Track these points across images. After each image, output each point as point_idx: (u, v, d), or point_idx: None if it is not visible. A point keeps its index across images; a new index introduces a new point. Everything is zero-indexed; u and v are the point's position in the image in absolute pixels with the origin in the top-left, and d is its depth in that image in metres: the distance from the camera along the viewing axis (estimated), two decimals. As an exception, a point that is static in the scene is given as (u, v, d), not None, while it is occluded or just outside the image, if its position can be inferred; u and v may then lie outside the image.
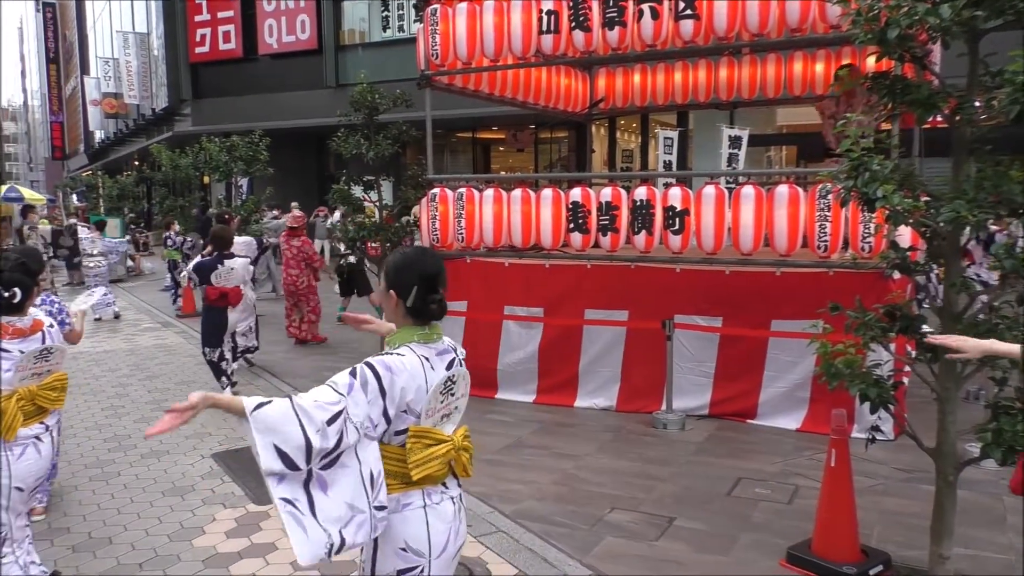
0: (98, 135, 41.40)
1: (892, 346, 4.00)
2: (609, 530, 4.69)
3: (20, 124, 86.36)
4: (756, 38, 6.67)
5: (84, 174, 36.69)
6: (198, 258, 8.47)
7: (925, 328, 3.72)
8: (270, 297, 14.69)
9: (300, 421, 2.12)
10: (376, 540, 2.37)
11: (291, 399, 2.18)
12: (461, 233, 7.82)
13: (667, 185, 7.33)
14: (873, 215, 4.12)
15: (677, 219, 6.89)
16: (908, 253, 3.88)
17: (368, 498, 2.25)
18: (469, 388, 2.60)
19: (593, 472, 5.65)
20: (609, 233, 7.23)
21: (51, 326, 3.64)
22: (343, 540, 2.19)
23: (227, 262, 7.79)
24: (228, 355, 7.95)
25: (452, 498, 2.50)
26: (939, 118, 3.81)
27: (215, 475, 5.71)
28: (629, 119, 18.58)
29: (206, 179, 18.78)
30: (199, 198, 19.95)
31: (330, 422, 2.15)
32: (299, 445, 2.11)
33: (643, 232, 7.06)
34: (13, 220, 23.38)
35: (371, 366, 2.29)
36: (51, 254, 14.55)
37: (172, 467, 5.88)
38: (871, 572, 4.00)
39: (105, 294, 13.44)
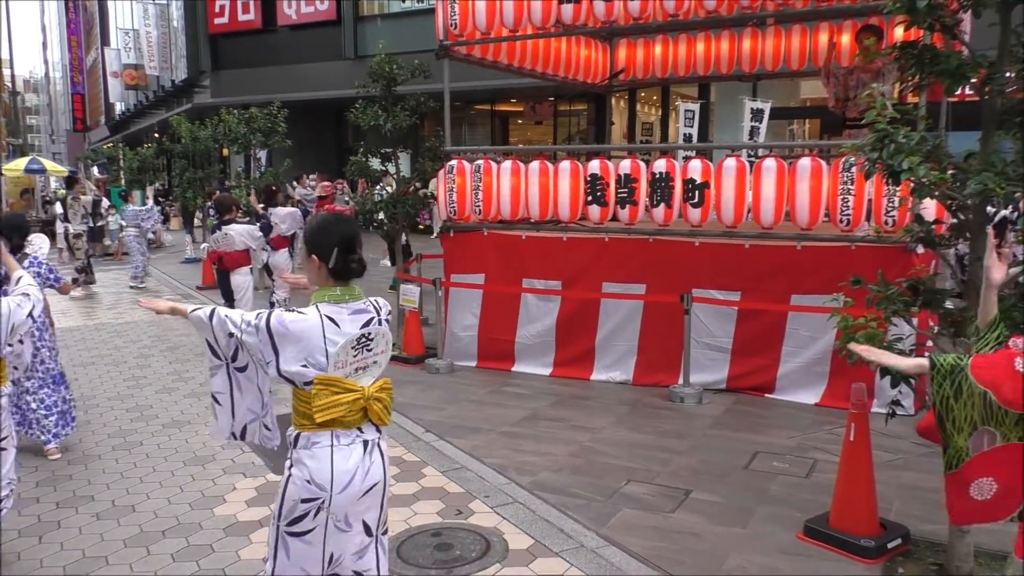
0: (118, 107, 41.50)
1: (915, 320, 3.95)
2: (625, 502, 4.70)
3: (42, 96, 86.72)
4: (781, 8, 6.57)
5: (105, 146, 36.78)
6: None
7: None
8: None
9: (212, 328, 2.76)
10: (290, 471, 2.74)
11: (215, 310, 2.77)
12: (478, 205, 7.80)
13: (687, 158, 7.26)
14: (898, 188, 4.06)
15: (697, 192, 6.82)
16: (933, 226, 3.81)
17: (264, 406, 2.92)
18: (390, 346, 2.87)
19: (609, 445, 5.66)
20: (628, 206, 7.18)
21: None
22: (245, 430, 2.94)
23: (224, 228, 8.26)
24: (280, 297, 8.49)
25: (366, 442, 2.78)
26: (968, 91, 3.73)
27: (235, 445, 5.73)
28: (649, 92, 18.37)
29: (225, 151, 18.82)
30: (219, 170, 19.99)
31: (229, 335, 2.74)
32: (209, 342, 2.81)
33: (662, 205, 7.00)
34: (36, 192, 23.60)
35: (269, 319, 2.67)
36: (89, 224, 14.68)
37: (193, 437, 5.95)
38: (889, 545, 3.99)
39: (135, 267, 13.70)
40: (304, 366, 2.65)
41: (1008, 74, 3.48)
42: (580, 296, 7.39)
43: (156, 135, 32.34)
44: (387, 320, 2.84)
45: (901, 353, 3.62)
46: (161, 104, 32.08)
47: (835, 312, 3.81)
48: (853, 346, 2.49)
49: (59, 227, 18.49)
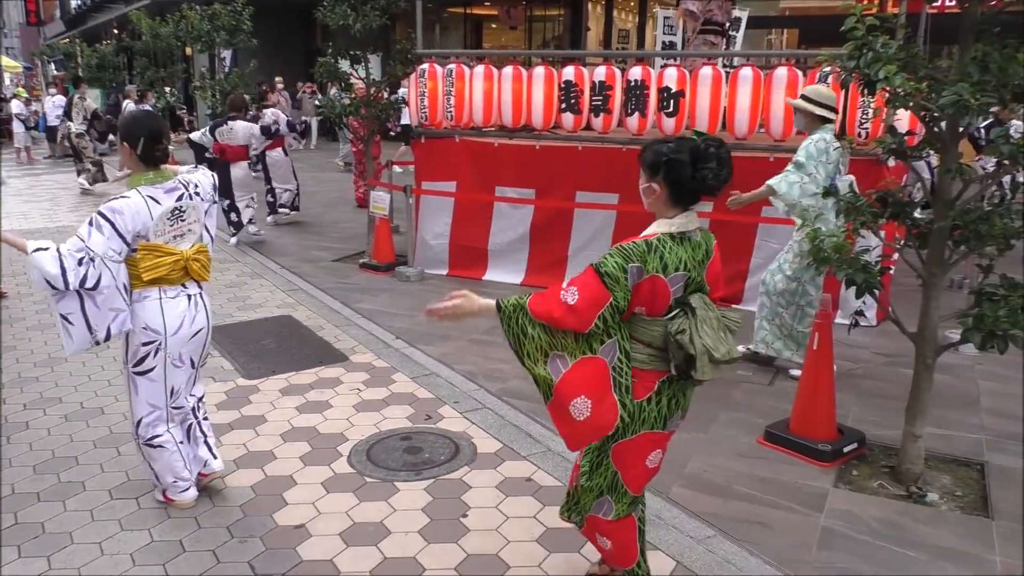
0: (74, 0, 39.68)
1: (882, 232, 3.99)
2: (592, 408, 4.78)
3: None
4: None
5: (61, 42, 35.32)
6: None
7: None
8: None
9: (61, 264, 3.06)
10: (131, 324, 3.35)
11: (58, 248, 3.09)
12: (450, 111, 7.64)
13: (663, 66, 7.13)
14: (873, 99, 4.03)
15: (672, 101, 6.73)
16: (905, 138, 3.80)
17: (125, 300, 3.28)
18: (202, 215, 3.44)
19: (578, 352, 5.72)
20: (602, 114, 7.08)
21: None
22: (110, 333, 3.26)
23: (231, 123, 9.14)
24: (239, 206, 9.11)
25: (189, 295, 3.44)
26: (949, 1, 3.66)
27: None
28: (627, -4, 17.93)
29: (188, 50, 18.15)
30: (182, 70, 19.31)
31: (80, 263, 3.09)
32: (56, 276, 3.06)
33: (636, 114, 6.92)
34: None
35: (102, 213, 3.16)
36: (86, 129, 14.29)
37: (161, 341, 5.91)
38: (845, 449, 4.13)
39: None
40: (137, 236, 3.23)
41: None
42: (553, 205, 7.35)
43: (115, 31, 31.04)
44: (198, 194, 3.39)
45: (867, 265, 3.67)
46: (119, -2, 30.67)
47: (805, 223, 3.83)
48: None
49: (17, 127, 17.94)
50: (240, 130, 9.17)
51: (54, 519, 3.55)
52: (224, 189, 8.98)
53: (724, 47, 8.72)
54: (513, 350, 2.54)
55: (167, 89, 16.64)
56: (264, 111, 10.81)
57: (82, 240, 3.11)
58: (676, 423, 2.70)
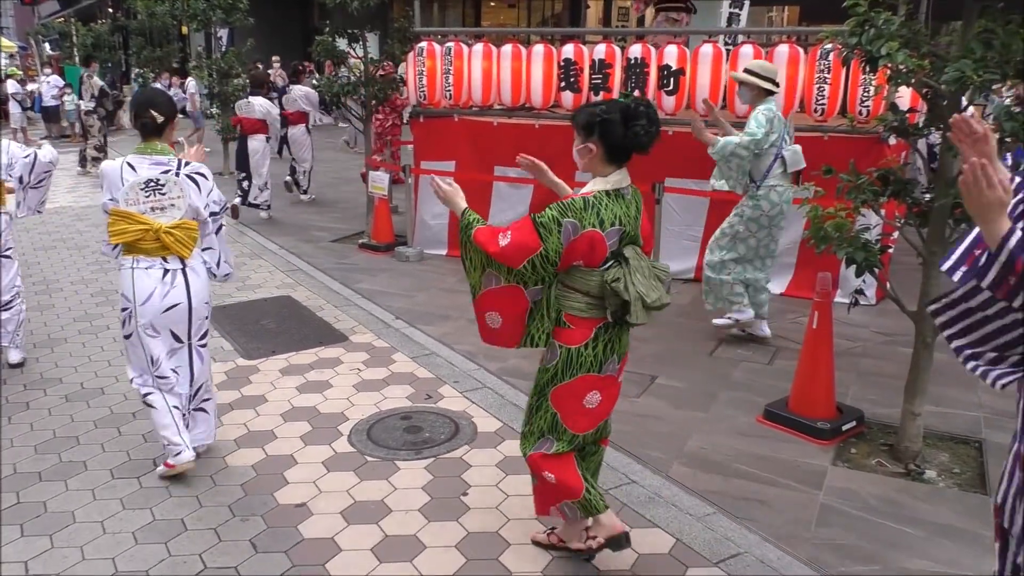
0: (68, -21, 39.26)
1: (883, 210, 3.97)
2: (592, 387, 4.79)
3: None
4: None
5: (56, 21, 35.01)
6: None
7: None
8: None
9: None
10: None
11: None
12: (449, 90, 7.59)
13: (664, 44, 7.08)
14: (874, 76, 4.00)
15: (672, 79, 6.69)
16: (907, 115, 3.78)
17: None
18: (189, 193, 3.53)
19: (578, 332, 5.72)
20: (601, 92, 7.03)
21: None
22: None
23: (251, 98, 9.62)
24: (255, 180, 9.42)
25: (168, 269, 3.54)
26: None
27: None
28: (626, -27, 17.76)
29: (184, 29, 18.03)
30: (178, 49, 19.17)
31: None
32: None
33: (636, 92, 6.87)
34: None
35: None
36: (93, 107, 14.17)
37: (161, 321, 5.91)
38: (844, 428, 4.15)
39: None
40: (111, 199, 3.48)
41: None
42: (551, 185, 7.30)
43: (111, 10, 30.77)
44: (192, 176, 3.56)
45: (867, 243, 3.66)
46: (114, -24, 30.38)
47: (805, 202, 3.82)
48: None
49: (13, 107, 17.81)
50: (257, 105, 9.46)
51: (56, 498, 3.57)
52: (241, 162, 9.58)
53: (688, 23, 8.72)
54: (460, 255, 2.86)
55: (136, 70, 16.68)
56: (292, 87, 10.88)
57: None
58: (613, 367, 2.86)
